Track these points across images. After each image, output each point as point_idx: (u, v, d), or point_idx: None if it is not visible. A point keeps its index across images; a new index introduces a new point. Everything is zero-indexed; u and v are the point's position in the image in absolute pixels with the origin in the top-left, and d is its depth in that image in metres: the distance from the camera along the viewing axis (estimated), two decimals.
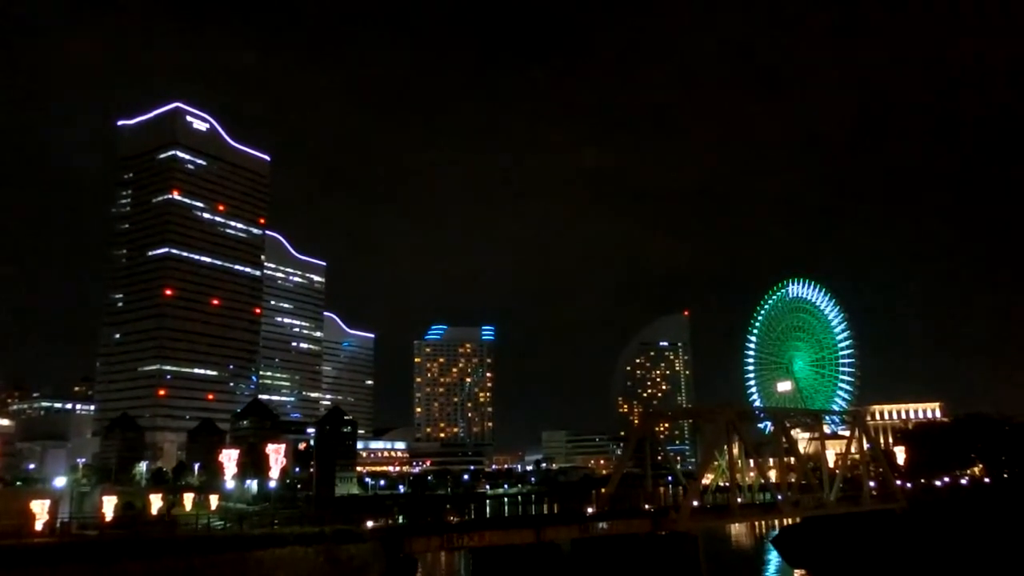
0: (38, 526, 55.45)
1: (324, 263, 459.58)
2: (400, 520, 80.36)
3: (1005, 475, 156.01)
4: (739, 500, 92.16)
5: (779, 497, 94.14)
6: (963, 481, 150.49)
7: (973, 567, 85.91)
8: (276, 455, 79.97)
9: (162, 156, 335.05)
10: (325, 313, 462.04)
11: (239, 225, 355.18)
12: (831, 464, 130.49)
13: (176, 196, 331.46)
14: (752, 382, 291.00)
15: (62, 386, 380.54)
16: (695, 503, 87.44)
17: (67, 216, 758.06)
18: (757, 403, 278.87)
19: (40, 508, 56.46)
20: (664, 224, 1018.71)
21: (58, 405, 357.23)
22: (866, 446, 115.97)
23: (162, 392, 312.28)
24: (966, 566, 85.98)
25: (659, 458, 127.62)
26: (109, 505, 65.21)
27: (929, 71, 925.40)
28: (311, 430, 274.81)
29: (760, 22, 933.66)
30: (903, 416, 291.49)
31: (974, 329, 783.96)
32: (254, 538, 58.01)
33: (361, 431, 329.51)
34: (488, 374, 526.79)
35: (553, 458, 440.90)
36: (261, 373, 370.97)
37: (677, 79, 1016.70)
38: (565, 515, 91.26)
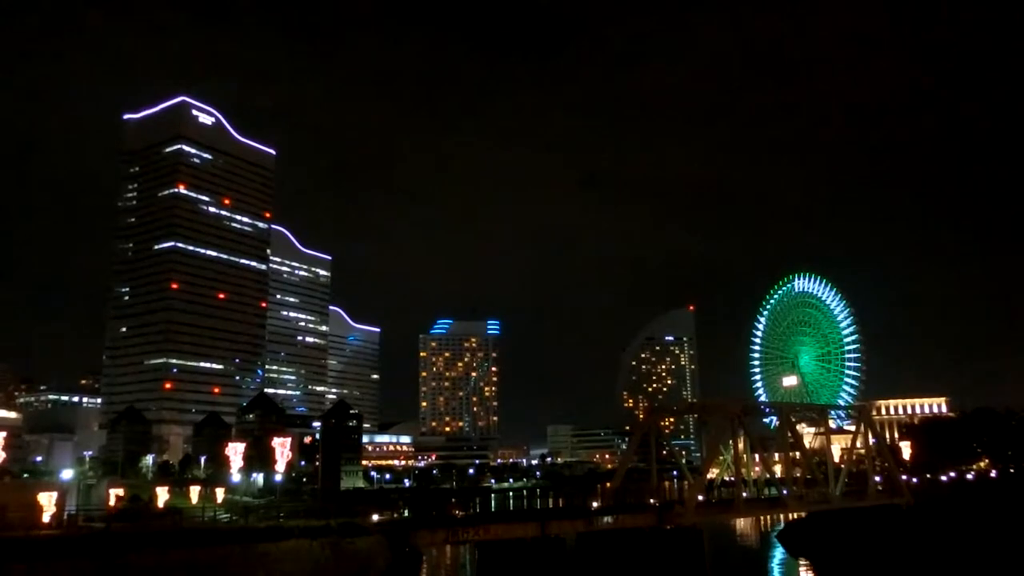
0: (45, 518, 55.72)
1: (329, 257, 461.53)
2: (405, 514, 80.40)
3: (1011, 470, 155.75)
4: (744, 495, 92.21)
5: (784, 492, 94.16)
6: (969, 476, 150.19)
7: (979, 562, 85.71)
8: (282, 449, 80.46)
9: (168, 150, 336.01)
10: (331, 307, 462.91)
11: (245, 219, 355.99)
12: (836, 459, 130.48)
13: (182, 190, 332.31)
14: (758, 377, 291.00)
15: (69, 379, 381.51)
16: (700, 497, 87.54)
17: (73, 210, 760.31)
18: (762, 398, 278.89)
19: (47, 500, 56.76)
20: (671, 218, 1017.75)
21: (65, 398, 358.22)
22: (871, 441, 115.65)
23: (168, 385, 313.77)
24: (972, 561, 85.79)
25: (664, 453, 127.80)
26: (115, 498, 65.44)
27: (942, 70, 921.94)
28: (317, 424, 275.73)
29: (770, 19, 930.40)
30: (909, 411, 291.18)
31: (981, 324, 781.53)
32: (260, 531, 58.25)
33: (366, 425, 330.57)
34: (493, 368, 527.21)
35: (558, 452, 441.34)
36: (267, 367, 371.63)
37: (686, 75, 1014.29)
38: (570, 509, 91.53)
